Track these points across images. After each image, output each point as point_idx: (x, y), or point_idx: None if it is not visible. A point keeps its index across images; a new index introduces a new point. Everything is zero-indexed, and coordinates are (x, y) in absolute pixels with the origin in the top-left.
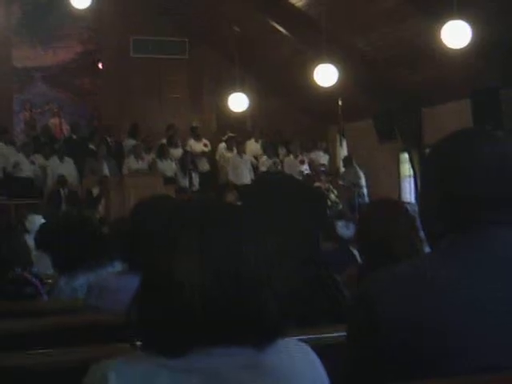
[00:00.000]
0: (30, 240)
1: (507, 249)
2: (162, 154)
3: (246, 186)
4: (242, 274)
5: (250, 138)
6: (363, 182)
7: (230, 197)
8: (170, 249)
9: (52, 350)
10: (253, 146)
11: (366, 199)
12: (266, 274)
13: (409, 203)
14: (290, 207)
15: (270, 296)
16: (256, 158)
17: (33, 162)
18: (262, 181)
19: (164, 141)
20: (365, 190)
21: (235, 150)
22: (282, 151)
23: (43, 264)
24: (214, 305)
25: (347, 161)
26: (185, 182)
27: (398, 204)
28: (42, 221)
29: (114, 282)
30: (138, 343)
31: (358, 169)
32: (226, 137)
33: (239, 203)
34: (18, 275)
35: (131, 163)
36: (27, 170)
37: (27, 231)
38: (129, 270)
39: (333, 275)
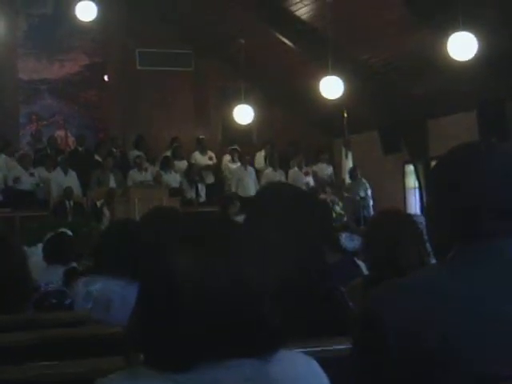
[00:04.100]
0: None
1: None
2: (167, 166)
3: (250, 197)
4: (243, 287)
5: (260, 150)
6: (369, 193)
7: (234, 209)
8: (166, 264)
9: (56, 363)
10: (258, 158)
11: (371, 211)
12: (266, 285)
13: (415, 215)
14: (294, 219)
15: (272, 307)
16: (262, 169)
17: (32, 175)
18: (265, 192)
19: (168, 153)
20: (370, 202)
21: (239, 162)
22: (288, 163)
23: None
24: (216, 318)
25: (353, 172)
26: (191, 194)
27: (405, 216)
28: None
29: (121, 292)
30: (140, 356)
31: (364, 180)
32: (230, 149)
33: (243, 215)
34: (55, 288)
35: (135, 175)
36: (27, 182)
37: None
38: (134, 279)
39: (337, 287)
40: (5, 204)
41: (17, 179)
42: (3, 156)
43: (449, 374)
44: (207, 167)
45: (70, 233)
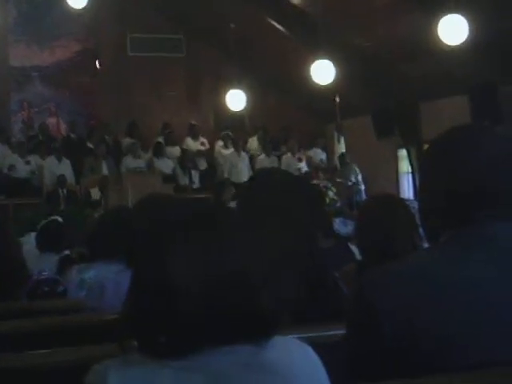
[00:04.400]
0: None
1: (507, 242)
2: (159, 152)
3: (243, 183)
4: (236, 273)
5: (251, 136)
6: (360, 178)
7: (228, 195)
8: (160, 252)
9: (50, 351)
10: (255, 144)
11: (364, 196)
12: (260, 271)
13: (408, 200)
14: (287, 204)
15: (266, 292)
16: (255, 155)
17: (28, 162)
18: (257, 178)
19: (160, 139)
20: (362, 187)
21: (232, 148)
22: (281, 149)
23: (44, 265)
24: (211, 305)
25: (342, 158)
26: (185, 180)
27: (398, 200)
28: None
29: (114, 279)
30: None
31: (353, 166)
32: (222, 134)
33: (236, 201)
34: (47, 276)
35: (129, 162)
36: (22, 170)
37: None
38: (129, 267)
39: (331, 272)
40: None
41: (12, 167)
42: None
43: (442, 360)
44: (199, 153)
45: (61, 220)
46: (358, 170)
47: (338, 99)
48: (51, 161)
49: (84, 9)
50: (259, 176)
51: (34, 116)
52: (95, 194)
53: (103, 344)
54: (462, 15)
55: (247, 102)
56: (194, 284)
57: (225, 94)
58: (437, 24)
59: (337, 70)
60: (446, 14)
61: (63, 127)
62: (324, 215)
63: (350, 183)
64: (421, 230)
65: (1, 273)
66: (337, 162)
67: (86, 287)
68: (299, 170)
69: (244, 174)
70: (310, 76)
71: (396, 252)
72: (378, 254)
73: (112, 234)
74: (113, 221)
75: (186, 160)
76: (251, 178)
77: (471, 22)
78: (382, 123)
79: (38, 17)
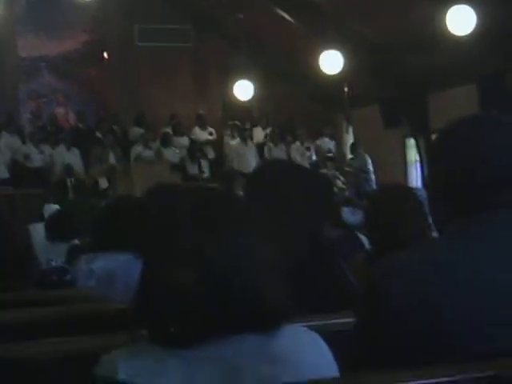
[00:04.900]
0: (40, 229)
1: None
2: (166, 142)
3: (251, 173)
4: (246, 263)
5: (256, 126)
6: (370, 168)
7: (236, 185)
8: (169, 242)
9: (60, 340)
10: (259, 134)
11: (373, 185)
12: (269, 261)
13: (416, 188)
14: (295, 194)
15: (275, 282)
16: (263, 145)
17: (42, 152)
18: (265, 168)
19: (167, 129)
20: (372, 176)
21: (238, 138)
22: (289, 138)
23: (52, 255)
24: (220, 294)
25: (354, 147)
26: (194, 170)
27: (407, 190)
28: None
29: (124, 268)
30: (143, 332)
31: (365, 155)
32: (229, 124)
33: (244, 191)
34: (55, 265)
35: (138, 151)
36: (37, 159)
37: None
38: (139, 256)
39: (339, 261)
40: (8, 181)
41: (27, 156)
42: (5, 134)
43: (446, 348)
44: (207, 142)
45: (61, 210)
46: (369, 159)
47: (346, 89)
48: (60, 150)
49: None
50: (265, 167)
51: (42, 106)
52: (103, 183)
53: (113, 334)
54: (469, 5)
55: (255, 92)
56: (203, 274)
57: (233, 84)
58: (445, 14)
59: (345, 59)
60: (454, 4)
61: (72, 117)
62: (332, 204)
63: (359, 172)
64: (430, 218)
65: (8, 262)
66: (346, 151)
67: (95, 277)
68: (308, 158)
69: (251, 163)
70: (318, 66)
71: (405, 241)
72: (387, 244)
73: (120, 223)
74: (120, 210)
75: (195, 149)
76: (257, 169)
77: (478, 11)
78: (390, 113)
79: (46, 7)
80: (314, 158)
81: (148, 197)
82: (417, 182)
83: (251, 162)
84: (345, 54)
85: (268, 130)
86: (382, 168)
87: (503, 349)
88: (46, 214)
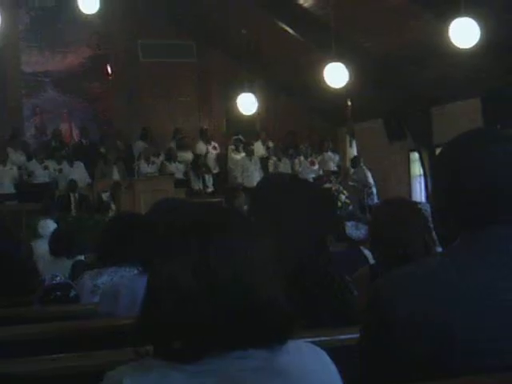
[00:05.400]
0: (42, 245)
1: None
2: (171, 157)
3: (255, 188)
4: (249, 278)
5: (257, 140)
6: (371, 181)
7: (240, 199)
8: (173, 257)
9: (65, 356)
10: (260, 148)
11: (376, 199)
12: (272, 275)
13: (420, 203)
14: (299, 208)
15: (278, 297)
16: (267, 159)
17: (46, 168)
18: (269, 183)
19: (171, 144)
20: (374, 190)
21: (243, 152)
22: (292, 152)
23: (57, 270)
24: (225, 309)
25: (354, 161)
26: (198, 185)
27: (411, 204)
28: (54, 225)
29: (129, 285)
30: (148, 348)
31: (365, 169)
32: (233, 139)
33: (248, 205)
34: (60, 281)
35: (142, 167)
36: (41, 176)
37: (40, 236)
38: (143, 272)
39: (343, 276)
40: (14, 197)
41: (31, 173)
42: (10, 149)
43: (456, 363)
44: (212, 157)
45: (63, 226)
46: (369, 173)
47: (349, 103)
48: (65, 165)
49: (95, 15)
50: (267, 181)
51: (46, 121)
52: (107, 198)
53: (118, 349)
54: (472, 18)
55: (259, 106)
56: (207, 289)
57: (236, 98)
58: (448, 27)
59: (349, 73)
60: (456, 17)
61: (76, 133)
62: (335, 219)
63: (361, 186)
64: (434, 233)
65: (12, 278)
66: (349, 165)
67: (100, 293)
68: (313, 173)
69: (255, 177)
70: (321, 80)
71: (409, 256)
72: (391, 258)
73: (124, 239)
74: (124, 226)
75: (199, 164)
76: (259, 184)
77: (482, 24)
78: (393, 126)
79: (49, 23)
80: (318, 172)
81: (152, 212)
82: (421, 195)
83: (255, 176)
84: (348, 68)
85: (270, 144)
86: (386, 182)
87: (510, 363)
88: (41, 230)
